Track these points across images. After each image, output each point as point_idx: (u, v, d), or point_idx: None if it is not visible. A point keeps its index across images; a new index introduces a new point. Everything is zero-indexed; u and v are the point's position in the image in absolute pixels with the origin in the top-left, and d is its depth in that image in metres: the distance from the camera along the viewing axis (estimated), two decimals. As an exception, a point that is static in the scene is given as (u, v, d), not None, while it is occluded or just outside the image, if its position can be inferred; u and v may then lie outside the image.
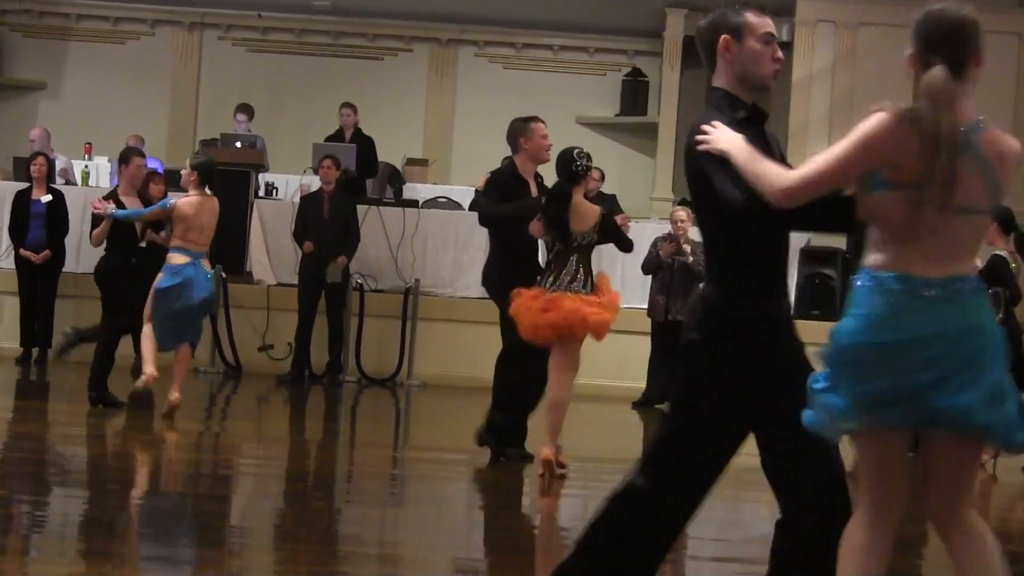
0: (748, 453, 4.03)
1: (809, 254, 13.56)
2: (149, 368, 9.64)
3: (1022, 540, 7.43)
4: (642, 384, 12.76)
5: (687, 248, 12.37)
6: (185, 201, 9.78)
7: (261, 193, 14.52)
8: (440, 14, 17.98)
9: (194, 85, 18.43)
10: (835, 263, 13.88)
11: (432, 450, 9.75)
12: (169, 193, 10.87)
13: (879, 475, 3.60)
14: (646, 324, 12.68)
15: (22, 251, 13.31)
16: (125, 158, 10.58)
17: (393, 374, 13.37)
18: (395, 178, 15.11)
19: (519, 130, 8.72)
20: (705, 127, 3.84)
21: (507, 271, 8.50)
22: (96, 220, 10.19)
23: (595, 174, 12.35)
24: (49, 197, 13.37)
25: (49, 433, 9.53)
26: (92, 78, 18.26)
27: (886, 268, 3.54)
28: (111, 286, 10.25)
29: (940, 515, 3.62)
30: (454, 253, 13.77)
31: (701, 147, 3.82)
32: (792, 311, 4.16)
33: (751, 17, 3.99)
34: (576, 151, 8.16)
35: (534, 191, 8.66)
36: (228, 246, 12.91)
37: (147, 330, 9.77)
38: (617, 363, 12.55)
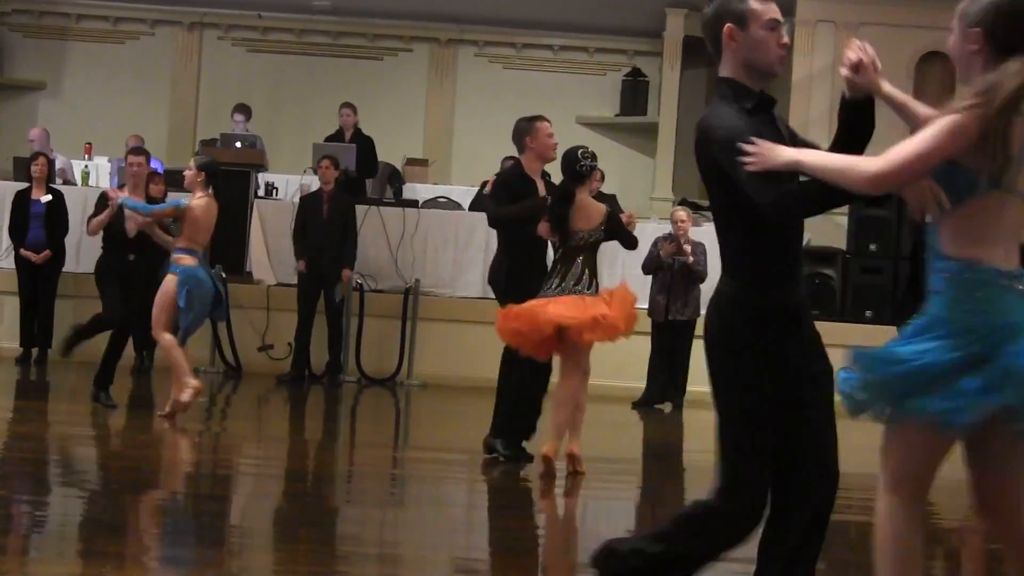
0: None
1: (809, 254, 13.54)
2: (191, 380, 9.56)
3: None
4: (642, 384, 12.76)
5: (687, 248, 12.37)
6: (197, 203, 9.71)
7: (261, 193, 14.53)
8: (440, 14, 17.98)
9: (194, 85, 18.43)
10: (835, 263, 13.89)
11: (432, 450, 9.75)
12: (169, 193, 10.85)
13: (927, 464, 3.62)
14: (646, 324, 12.65)
15: (22, 251, 13.31)
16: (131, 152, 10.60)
17: (393, 374, 13.37)
18: (395, 178, 15.11)
19: (524, 129, 8.72)
20: (746, 147, 3.75)
21: (514, 272, 8.50)
22: (99, 208, 10.13)
23: (596, 174, 12.33)
24: (49, 197, 13.37)
25: (49, 433, 9.52)
26: (92, 78, 18.26)
27: (986, 263, 3.54)
28: (110, 285, 10.23)
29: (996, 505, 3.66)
30: (454, 253, 13.77)
31: (751, 167, 3.72)
32: (809, 301, 4.16)
33: (755, 4, 3.97)
34: (581, 151, 8.17)
35: (542, 190, 8.64)
36: (228, 246, 12.92)
37: (168, 340, 9.63)
38: (617, 363, 12.51)
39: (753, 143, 3.74)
